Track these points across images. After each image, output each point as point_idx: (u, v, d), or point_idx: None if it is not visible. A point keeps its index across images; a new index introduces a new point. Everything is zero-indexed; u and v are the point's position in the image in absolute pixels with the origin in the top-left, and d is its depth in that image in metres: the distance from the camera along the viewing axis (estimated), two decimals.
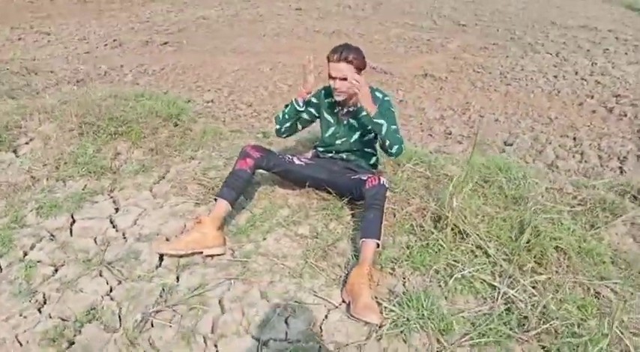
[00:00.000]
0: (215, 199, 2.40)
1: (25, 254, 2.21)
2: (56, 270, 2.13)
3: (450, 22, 10.23)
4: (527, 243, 2.25)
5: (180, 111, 3.48)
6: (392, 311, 1.93)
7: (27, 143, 3.09)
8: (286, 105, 2.70)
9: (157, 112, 3.38)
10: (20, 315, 1.87)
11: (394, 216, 2.54)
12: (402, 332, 1.85)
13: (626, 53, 7.69)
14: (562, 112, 4.83)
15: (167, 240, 2.35)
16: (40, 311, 1.89)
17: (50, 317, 1.87)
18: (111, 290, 2.03)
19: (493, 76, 6.07)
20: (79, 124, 3.10)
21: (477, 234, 2.30)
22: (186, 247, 2.18)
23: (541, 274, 2.16)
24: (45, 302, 1.95)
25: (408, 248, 2.33)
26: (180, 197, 2.70)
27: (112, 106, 3.30)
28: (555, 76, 6.12)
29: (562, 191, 2.71)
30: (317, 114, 2.74)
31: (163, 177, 2.88)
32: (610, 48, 7.99)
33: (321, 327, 1.89)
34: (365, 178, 2.39)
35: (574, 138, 4.04)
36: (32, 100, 3.59)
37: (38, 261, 2.16)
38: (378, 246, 2.18)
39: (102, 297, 1.98)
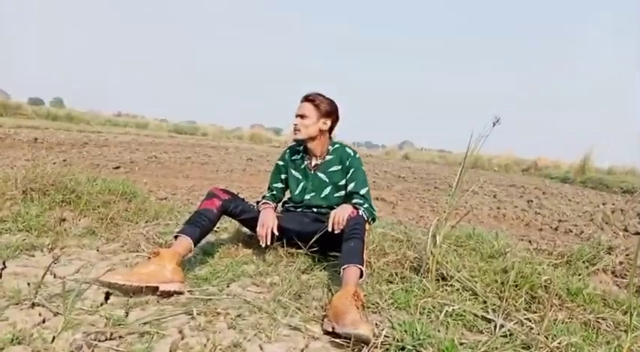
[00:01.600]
0: (175, 237, 2.15)
1: None
2: None
3: (391, 175, 10.92)
4: (515, 282, 2.11)
5: (135, 191, 3.30)
6: (384, 337, 1.67)
7: None
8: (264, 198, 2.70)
9: (109, 189, 3.19)
10: None
11: (371, 267, 2.35)
12: None
13: (555, 199, 8.33)
14: (512, 228, 4.99)
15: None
16: None
17: None
18: (44, 322, 1.65)
19: (440, 205, 6.32)
20: (22, 190, 2.85)
21: (462, 276, 2.15)
22: (140, 280, 1.84)
23: (534, 312, 1.99)
24: None
25: (389, 292, 2.11)
26: (131, 253, 2.41)
27: (61, 177, 3.09)
28: (498, 208, 6.46)
29: (538, 249, 2.65)
30: (287, 176, 2.68)
31: (112, 240, 2.59)
32: (540, 196, 8.67)
33: None
34: None
35: (529, 241, 4.11)
36: None
37: None
38: (361, 274, 1.96)
39: (32, 326, 1.60)
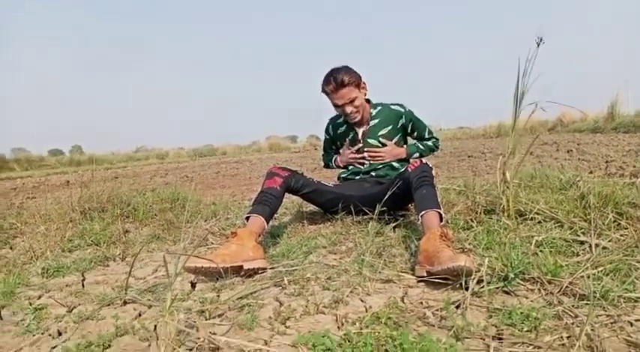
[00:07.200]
0: (247, 218, 2.14)
1: (31, 304, 1.83)
2: (70, 310, 1.74)
3: None
4: (597, 204, 2.04)
5: (186, 197, 3.32)
6: (483, 267, 1.62)
7: (24, 241, 2.81)
8: (328, 161, 2.86)
9: (162, 199, 3.22)
10: (32, 345, 1.47)
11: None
12: (504, 285, 1.54)
13: (593, 146, 8.10)
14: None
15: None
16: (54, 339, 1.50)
17: (69, 340, 1.48)
18: (140, 315, 1.66)
19: (480, 168, 6.22)
20: (80, 211, 2.89)
21: (541, 208, 2.09)
22: (224, 261, 1.83)
23: (625, 228, 1.92)
24: (60, 334, 1.55)
25: (471, 235, 2.06)
26: (201, 247, 2.41)
27: (115, 195, 3.13)
28: (540, 162, 6.30)
29: (607, 174, 2.57)
30: (336, 147, 2.67)
31: (180, 240, 2.61)
32: (576, 147, 8.43)
33: (403, 300, 1.55)
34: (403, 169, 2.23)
35: (590, 172, 4.01)
36: (24, 209, 3.36)
37: (48, 305, 1.78)
38: (441, 218, 1.92)
39: (131, 320, 1.60)
